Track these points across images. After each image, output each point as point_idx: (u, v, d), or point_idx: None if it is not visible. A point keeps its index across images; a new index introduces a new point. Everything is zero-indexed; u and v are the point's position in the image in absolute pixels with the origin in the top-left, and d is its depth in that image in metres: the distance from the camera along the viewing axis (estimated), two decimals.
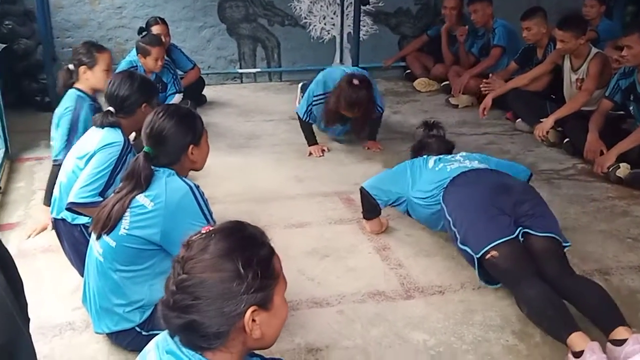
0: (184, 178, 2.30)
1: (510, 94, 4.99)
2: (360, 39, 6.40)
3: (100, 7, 6.03)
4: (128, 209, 2.23)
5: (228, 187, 3.91)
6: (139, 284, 2.28)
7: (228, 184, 3.96)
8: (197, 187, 2.30)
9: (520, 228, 2.64)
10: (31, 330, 2.51)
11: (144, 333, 2.30)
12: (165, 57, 4.96)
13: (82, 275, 2.80)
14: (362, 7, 5.96)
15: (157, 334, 2.26)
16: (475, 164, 3.05)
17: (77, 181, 2.68)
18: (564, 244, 2.68)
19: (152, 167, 2.28)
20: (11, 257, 1.36)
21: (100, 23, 6.09)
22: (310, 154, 4.48)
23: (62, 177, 2.83)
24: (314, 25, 6.53)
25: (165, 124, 2.31)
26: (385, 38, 6.67)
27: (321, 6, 6.50)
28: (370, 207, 3.26)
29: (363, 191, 3.24)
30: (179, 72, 5.49)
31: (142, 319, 2.29)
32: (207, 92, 5.91)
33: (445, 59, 6.12)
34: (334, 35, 6.61)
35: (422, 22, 6.64)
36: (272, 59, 6.58)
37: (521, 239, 2.63)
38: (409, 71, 6.51)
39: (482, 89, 5.22)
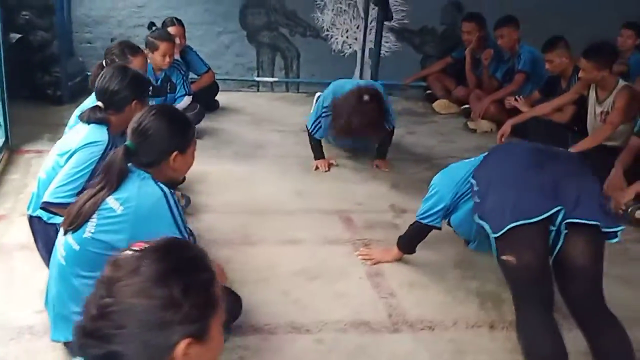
0: (159, 183, 2.14)
1: (531, 123, 4.76)
2: (382, 55, 6.28)
3: (121, 5, 5.96)
4: (97, 211, 2.09)
5: (226, 197, 3.76)
6: None
7: (226, 193, 3.81)
8: (172, 193, 2.14)
9: (561, 216, 2.16)
10: None
11: None
12: (178, 58, 4.87)
13: None
14: (386, 22, 5.84)
15: None
16: None
17: (54, 180, 2.54)
18: (614, 229, 2.21)
19: (129, 166, 2.15)
20: None
21: (120, 21, 6.02)
22: (317, 168, 4.31)
23: (41, 173, 2.70)
24: (336, 38, 6.39)
25: (154, 122, 2.18)
26: (408, 56, 6.49)
27: (344, 19, 6.35)
28: (418, 240, 2.95)
29: (421, 224, 2.82)
30: (194, 75, 5.41)
31: None
32: (222, 98, 5.79)
33: (468, 82, 5.91)
34: (356, 50, 6.45)
35: (446, 43, 6.44)
36: (290, 70, 6.44)
37: (564, 231, 2.17)
38: (429, 92, 6.32)
39: (507, 104, 5.08)
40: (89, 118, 2.67)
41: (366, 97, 3.83)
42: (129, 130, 2.21)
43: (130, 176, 2.13)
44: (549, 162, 2.31)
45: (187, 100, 4.77)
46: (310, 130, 4.30)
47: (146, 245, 1.16)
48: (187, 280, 1.12)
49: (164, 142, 2.18)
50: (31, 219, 2.71)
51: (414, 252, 3.01)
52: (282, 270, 2.94)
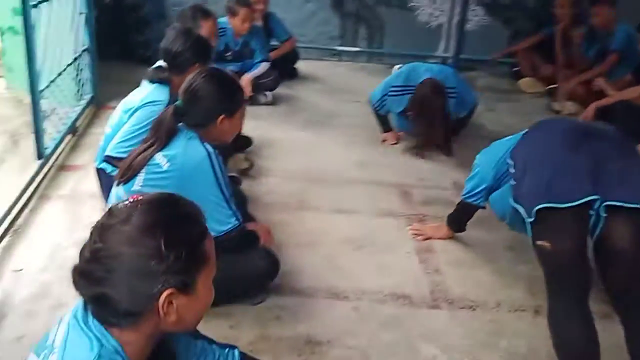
0: (205, 143, 2.22)
1: (620, 107, 4.48)
2: (469, 28, 6.13)
3: None
4: (146, 166, 2.20)
5: (288, 163, 3.82)
6: None
7: (289, 159, 3.88)
8: (217, 154, 2.22)
9: (599, 201, 2.03)
10: (54, 267, 2.60)
11: None
12: (258, 24, 4.95)
13: None
14: None
15: None
16: None
17: (116, 135, 2.69)
18: None
19: (179, 125, 2.24)
20: None
21: None
22: (384, 140, 4.29)
23: (107, 128, 2.86)
24: (422, 10, 6.25)
25: (203, 84, 2.26)
26: (496, 31, 6.26)
27: None
28: (465, 218, 2.91)
29: (466, 203, 2.79)
30: (275, 42, 5.48)
31: None
32: (303, 66, 5.82)
33: (558, 60, 5.63)
34: (442, 22, 6.29)
35: (538, 19, 6.15)
36: (374, 40, 6.38)
37: (604, 215, 2.04)
38: (517, 69, 6.07)
39: (595, 85, 4.82)
40: (152, 77, 2.79)
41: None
42: (180, 90, 2.30)
43: (179, 135, 2.23)
44: (590, 141, 2.18)
45: (264, 66, 4.85)
46: (374, 107, 4.26)
47: (142, 197, 1.22)
48: (174, 233, 1.16)
49: (212, 105, 2.25)
50: (98, 170, 2.88)
51: (464, 230, 2.97)
52: (331, 237, 2.98)
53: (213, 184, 2.18)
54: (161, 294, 1.15)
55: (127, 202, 1.20)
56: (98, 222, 1.19)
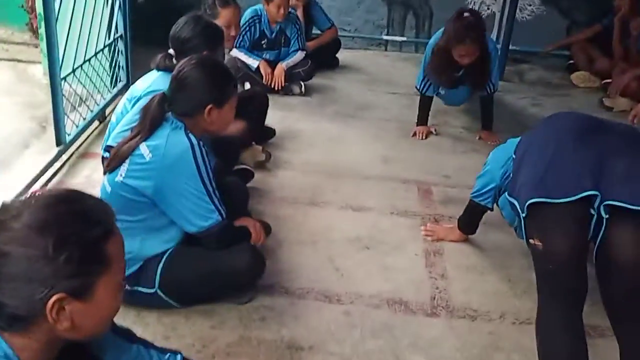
0: (189, 133, 2.16)
1: None
2: (524, 19, 5.84)
3: None
4: (130, 156, 2.16)
5: (309, 155, 3.72)
6: (130, 236, 2.09)
7: (311, 152, 3.78)
8: (201, 145, 2.15)
9: (599, 199, 1.85)
10: None
11: (127, 287, 2.23)
12: (295, 11, 4.85)
13: None
14: None
15: (140, 292, 2.23)
16: None
17: (118, 124, 2.67)
18: None
19: (168, 114, 2.19)
20: None
21: None
22: (414, 134, 4.12)
23: (112, 117, 2.85)
24: None
25: (192, 72, 2.21)
26: (552, 21, 5.91)
27: None
28: (475, 220, 2.74)
29: (474, 203, 2.63)
30: (317, 31, 5.39)
31: (126, 272, 2.23)
32: (347, 55, 5.68)
33: (615, 53, 5.27)
34: (494, 12, 6.01)
35: (599, 9, 5.76)
36: (422, 29, 6.17)
37: (606, 217, 1.85)
38: (571, 62, 5.73)
39: None
40: (158, 65, 2.75)
41: (466, 14, 3.63)
42: (171, 77, 2.25)
43: (164, 124, 2.18)
44: (599, 134, 1.98)
45: (299, 55, 4.76)
46: (419, 89, 4.10)
47: (41, 192, 1.15)
48: (67, 233, 1.08)
49: (199, 94, 2.19)
50: (102, 159, 2.88)
51: (474, 232, 2.80)
52: (336, 236, 2.87)
53: (195, 177, 2.12)
54: (49, 298, 1.08)
55: (23, 197, 1.14)
56: None
